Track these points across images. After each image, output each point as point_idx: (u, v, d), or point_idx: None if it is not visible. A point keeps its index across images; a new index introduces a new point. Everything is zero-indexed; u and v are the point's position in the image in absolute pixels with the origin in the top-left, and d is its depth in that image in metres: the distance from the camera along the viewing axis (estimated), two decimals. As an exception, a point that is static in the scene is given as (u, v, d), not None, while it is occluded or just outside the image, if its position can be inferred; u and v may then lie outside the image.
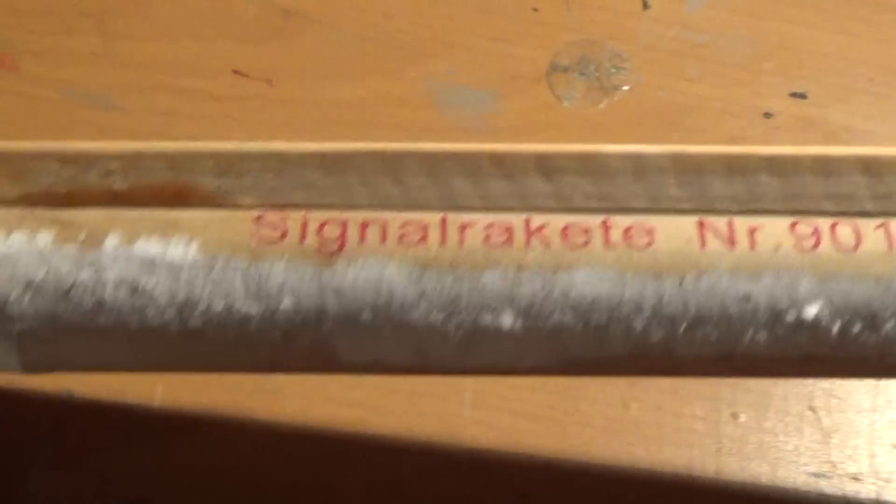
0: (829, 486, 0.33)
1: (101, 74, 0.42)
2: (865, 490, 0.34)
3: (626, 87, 0.42)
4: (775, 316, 0.26)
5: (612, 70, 0.42)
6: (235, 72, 0.42)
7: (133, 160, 0.28)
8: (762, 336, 0.26)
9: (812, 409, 0.35)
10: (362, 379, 0.35)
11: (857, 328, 0.26)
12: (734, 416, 0.34)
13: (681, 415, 0.34)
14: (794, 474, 0.34)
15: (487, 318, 0.26)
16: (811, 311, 0.26)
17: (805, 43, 0.43)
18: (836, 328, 0.26)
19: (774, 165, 0.28)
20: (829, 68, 0.42)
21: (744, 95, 0.41)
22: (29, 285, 0.26)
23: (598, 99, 0.41)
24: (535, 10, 0.43)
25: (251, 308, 0.26)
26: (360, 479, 0.34)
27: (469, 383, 0.35)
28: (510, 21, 0.43)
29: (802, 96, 0.41)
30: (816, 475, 0.33)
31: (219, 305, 0.26)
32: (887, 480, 0.34)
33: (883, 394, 0.35)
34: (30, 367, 0.27)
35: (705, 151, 0.28)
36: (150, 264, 0.26)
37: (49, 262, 0.26)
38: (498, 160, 0.28)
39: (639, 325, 0.26)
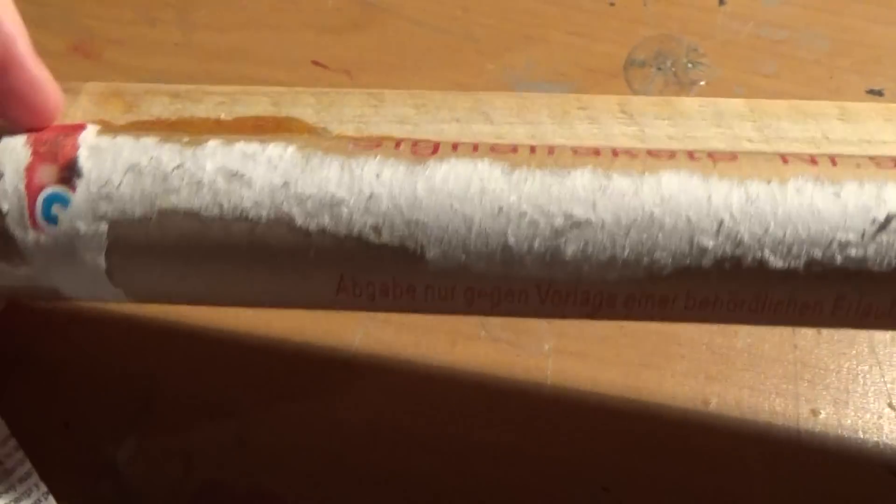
0: (908, 484, 0.34)
1: (182, 64, 0.43)
2: (943, 488, 0.34)
3: (702, 83, 0.42)
4: (864, 212, 0.26)
5: (689, 65, 0.42)
6: (315, 62, 0.43)
7: (238, 96, 0.29)
8: (853, 237, 0.26)
9: (891, 406, 0.35)
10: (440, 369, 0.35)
11: None
12: (814, 412, 0.35)
13: (760, 411, 0.35)
14: (873, 471, 0.34)
15: (577, 210, 0.26)
16: None
17: (883, 40, 0.43)
18: None
19: (846, 113, 0.29)
20: (906, 66, 0.42)
21: (820, 92, 0.42)
22: (131, 168, 0.27)
23: (675, 94, 0.41)
24: (612, 4, 0.44)
25: (344, 193, 0.26)
26: (442, 464, 0.34)
27: (551, 373, 0.35)
28: (587, 15, 0.43)
29: (879, 93, 0.41)
30: (896, 472, 0.34)
31: (312, 188, 0.26)
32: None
33: (963, 393, 0.35)
34: (114, 272, 0.28)
35: (780, 102, 0.29)
36: (250, 157, 0.27)
37: (152, 153, 0.27)
38: (583, 104, 0.29)
39: (728, 220, 0.26)
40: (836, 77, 0.42)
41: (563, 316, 0.28)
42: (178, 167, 0.27)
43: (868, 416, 0.35)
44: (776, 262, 0.26)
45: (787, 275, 0.26)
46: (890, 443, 0.34)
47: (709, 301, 0.27)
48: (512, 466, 0.34)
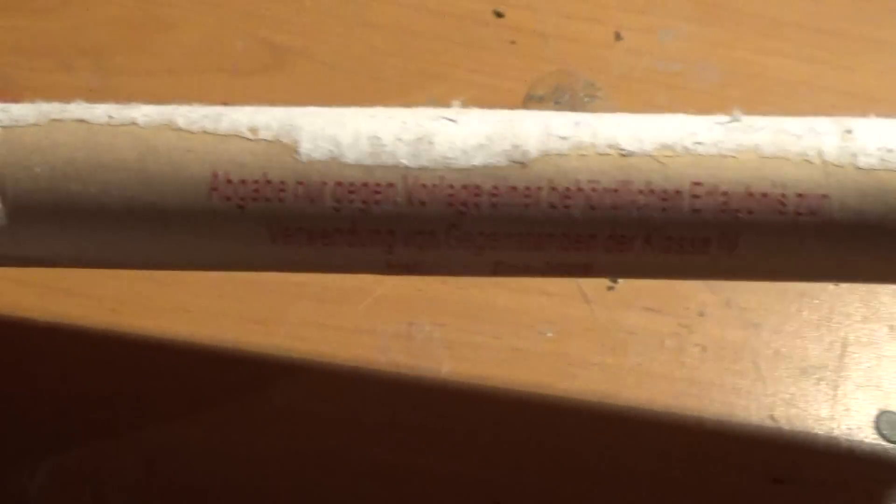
0: (789, 492, 0.35)
1: (100, 109, 0.44)
2: (825, 497, 0.35)
3: (599, 115, 0.43)
4: (708, 120, 0.28)
5: (586, 99, 0.44)
6: (227, 105, 0.44)
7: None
8: (702, 129, 0.28)
9: (773, 418, 0.36)
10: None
11: None
12: (700, 425, 0.36)
13: (649, 426, 0.36)
14: (756, 480, 0.35)
15: (446, 114, 0.30)
16: None
17: (771, 71, 0.45)
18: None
19: None
20: (794, 95, 0.44)
21: (712, 122, 0.43)
22: (33, 103, 0.29)
23: (573, 126, 0.43)
24: (513, 42, 0.45)
25: (229, 111, 0.30)
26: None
27: (447, 395, 0.37)
28: (489, 53, 0.45)
29: (768, 122, 0.43)
30: (777, 481, 0.35)
31: (200, 109, 0.30)
32: (846, 488, 0.35)
33: (841, 403, 0.37)
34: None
35: None
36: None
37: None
38: None
39: (584, 122, 0.28)
40: (726, 107, 0.43)
41: (431, 235, 0.29)
42: (77, 104, 0.30)
43: (751, 428, 0.36)
44: (630, 147, 0.28)
45: (643, 161, 0.28)
46: (772, 452, 0.36)
47: (572, 192, 0.28)
48: (406, 484, 0.35)
